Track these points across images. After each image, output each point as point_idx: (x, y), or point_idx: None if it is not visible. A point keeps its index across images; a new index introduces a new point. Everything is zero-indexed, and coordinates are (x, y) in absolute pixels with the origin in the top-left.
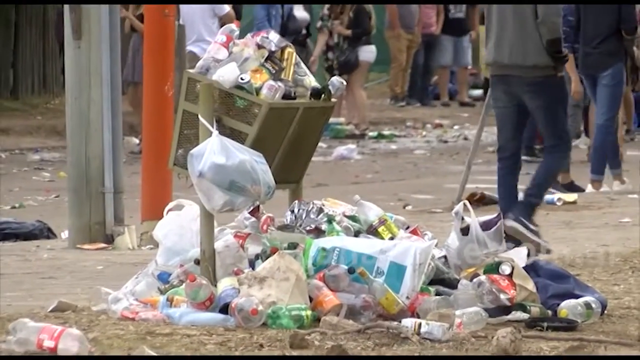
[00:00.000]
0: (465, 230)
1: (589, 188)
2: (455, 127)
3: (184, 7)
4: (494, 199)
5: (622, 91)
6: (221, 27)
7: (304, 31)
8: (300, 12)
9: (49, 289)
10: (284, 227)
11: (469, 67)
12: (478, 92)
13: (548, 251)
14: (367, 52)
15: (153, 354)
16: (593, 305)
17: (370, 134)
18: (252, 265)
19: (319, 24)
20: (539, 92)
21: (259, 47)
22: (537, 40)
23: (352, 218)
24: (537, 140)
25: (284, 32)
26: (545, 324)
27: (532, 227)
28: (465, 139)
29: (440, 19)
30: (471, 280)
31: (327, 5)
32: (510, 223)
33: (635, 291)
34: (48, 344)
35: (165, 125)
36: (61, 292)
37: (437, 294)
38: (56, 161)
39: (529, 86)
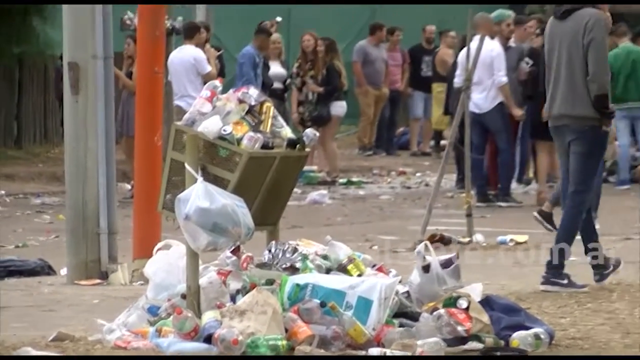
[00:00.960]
0: (426, 268)
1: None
2: (418, 174)
3: (171, 66)
4: (453, 240)
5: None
6: (204, 84)
7: (281, 86)
8: (277, 68)
9: (49, 320)
10: (262, 265)
11: None
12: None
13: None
14: (339, 107)
15: None
16: (542, 336)
17: (341, 180)
18: (233, 299)
19: (288, 81)
20: (582, 140)
21: (240, 101)
22: (585, 95)
23: (324, 257)
24: (489, 187)
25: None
26: (498, 354)
27: (563, 282)
28: (427, 185)
29: (405, 77)
30: (431, 313)
31: (296, 64)
32: (544, 287)
33: (580, 323)
34: None
35: (155, 172)
36: (61, 323)
37: (401, 325)
38: (56, 205)
39: (576, 133)
